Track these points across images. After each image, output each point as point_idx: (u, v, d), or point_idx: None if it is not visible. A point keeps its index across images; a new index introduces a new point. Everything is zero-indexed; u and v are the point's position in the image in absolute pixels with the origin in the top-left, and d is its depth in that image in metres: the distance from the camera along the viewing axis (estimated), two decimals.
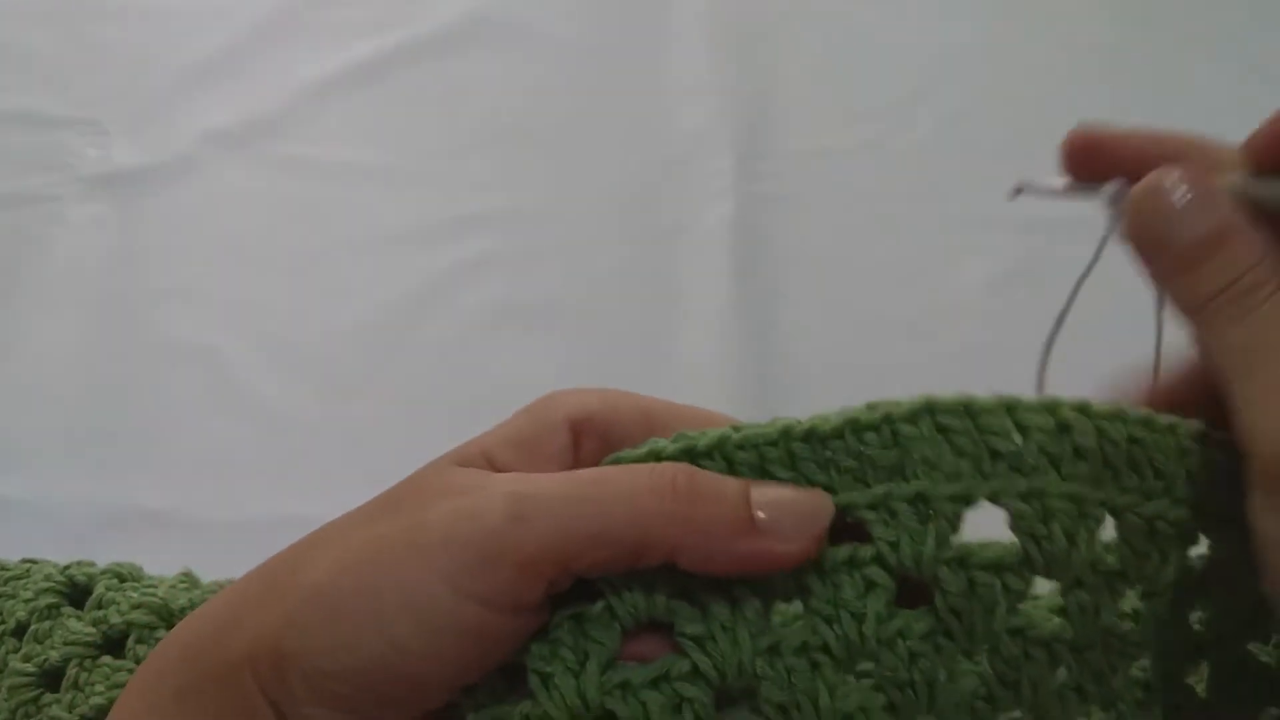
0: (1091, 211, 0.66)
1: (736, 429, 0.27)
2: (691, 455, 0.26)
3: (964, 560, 0.26)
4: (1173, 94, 0.66)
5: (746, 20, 0.70)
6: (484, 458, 0.26)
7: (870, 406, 0.26)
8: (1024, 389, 0.28)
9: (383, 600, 0.23)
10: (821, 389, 0.55)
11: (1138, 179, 0.28)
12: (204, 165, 0.64)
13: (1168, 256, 0.27)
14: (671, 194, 0.62)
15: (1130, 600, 0.28)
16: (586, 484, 0.25)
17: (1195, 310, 0.26)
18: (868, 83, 0.68)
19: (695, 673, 0.25)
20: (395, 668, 0.23)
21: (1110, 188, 0.29)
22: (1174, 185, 0.26)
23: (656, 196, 0.63)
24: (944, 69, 0.68)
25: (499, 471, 0.26)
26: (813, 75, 0.68)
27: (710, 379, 0.55)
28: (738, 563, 0.25)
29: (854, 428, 0.26)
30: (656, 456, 0.26)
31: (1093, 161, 0.29)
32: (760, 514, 0.25)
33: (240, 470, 0.52)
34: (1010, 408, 0.26)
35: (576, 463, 0.27)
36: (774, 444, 0.26)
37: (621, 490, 0.24)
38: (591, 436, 0.27)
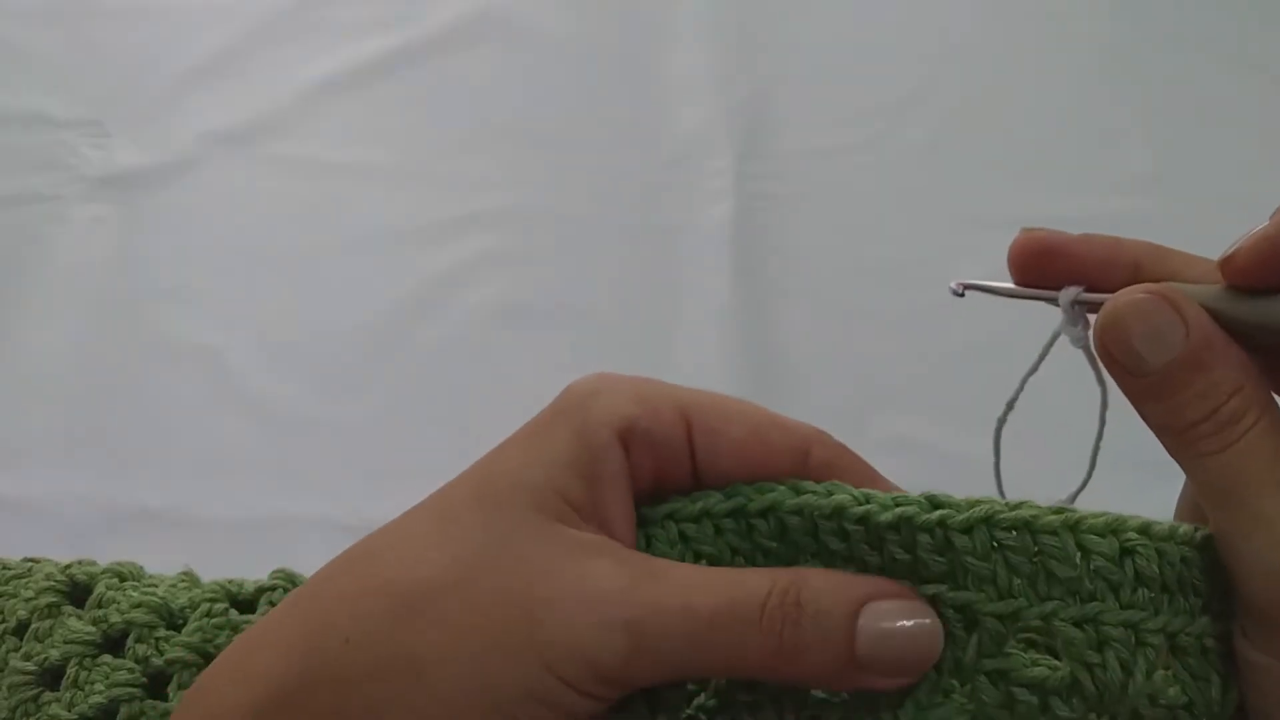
0: (1091, 211, 0.66)
1: (796, 489, 0.27)
2: (743, 514, 0.27)
3: (1005, 674, 0.25)
4: (1173, 94, 0.66)
5: (746, 20, 0.70)
6: (559, 498, 0.26)
7: (930, 501, 0.26)
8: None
9: (499, 689, 0.25)
10: (820, 388, 0.55)
11: (1093, 285, 0.27)
12: (205, 165, 0.65)
13: (1143, 380, 0.25)
14: (671, 194, 0.63)
15: None
16: (704, 624, 0.25)
17: (1172, 437, 0.25)
18: (868, 83, 0.68)
19: None
20: None
21: (1068, 294, 0.27)
22: (1149, 305, 0.25)
23: (656, 196, 0.63)
24: (944, 69, 0.68)
25: (573, 507, 0.26)
26: (813, 75, 0.68)
27: (710, 377, 0.55)
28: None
29: (909, 525, 0.25)
30: (710, 513, 0.27)
31: (1045, 265, 0.28)
32: (863, 653, 0.25)
33: (240, 469, 0.52)
34: (1073, 527, 0.25)
35: (631, 474, 0.27)
36: (829, 517, 0.26)
37: (733, 640, 0.25)
38: (638, 447, 0.27)
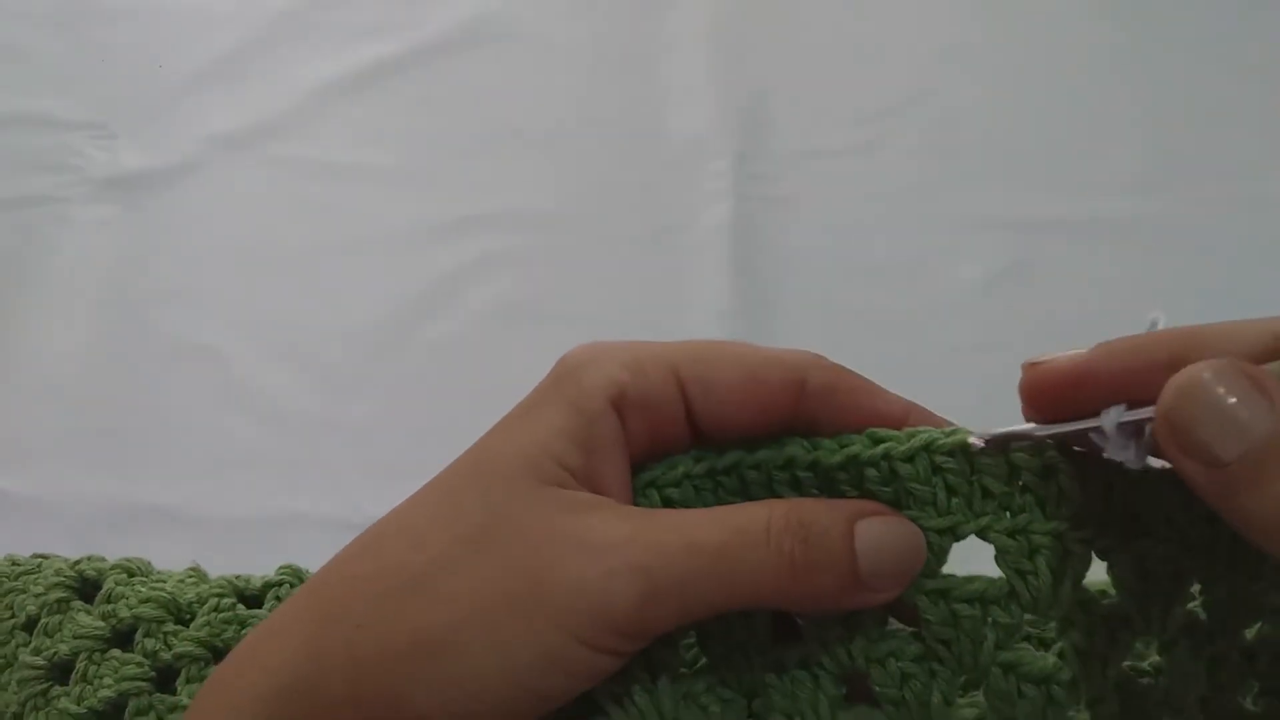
0: (1089, 211, 0.66)
1: (750, 449, 0.28)
2: (713, 474, 0.28)
3: (946, 592, 0.27)
4: (1173, 94, 0.66)
5: (746, 20, 0.71)
6: (556, 464, 0.27)
7: (873, 438, 0.27)
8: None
9: (514, 657, 0.25)
10: None
11: (1134, 399, 0.23)
12: (210, 167, 0.65)
13: (1225, 471, 0.21)
14: (671, 194, 0.63)
15: (1152, 655, 0.28)
16: (713, 557, 0.25)
17: (1262, 532, 0.21)
18: (867, 83, 0.68)
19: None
20: (516, 712, 0.25)
21: (1112, 417, 0.24)
22: (1220, 380, 0.21)
23: (656, 197, 0.63)
24: (942, 69, 0.68)
25: (571, 473, 0.27)
26: (812, 76, 0.68)
27: None
28: (836, 611, 0.27)
29: (856, 463, 0.27)
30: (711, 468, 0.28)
31: (1071, 396, 0.25)
32: (864, 567, 0.26)
33: (246, 467, 0.53)
34: (1004, 449, 0.26)
35: (627, 439, 0.28)
36: (783, 469, 0.28)
37: (744, 567, 0.25)
38: (632, 412, 0.27)
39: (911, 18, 0.71)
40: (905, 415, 0.28)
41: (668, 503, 0.28)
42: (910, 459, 0.27)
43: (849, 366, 0.30)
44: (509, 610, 0.25)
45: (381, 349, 0.57)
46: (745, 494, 0.28)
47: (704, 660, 0.29)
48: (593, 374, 0.28)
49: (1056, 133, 0.65)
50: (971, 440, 0.27)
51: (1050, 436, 0.26)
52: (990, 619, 0.26)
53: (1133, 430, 0.24)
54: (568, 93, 0.68)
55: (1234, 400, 0.21)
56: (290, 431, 0.54)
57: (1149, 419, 0.23)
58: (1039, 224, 0.61)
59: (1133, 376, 0.24)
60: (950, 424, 0.28)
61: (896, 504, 0.27)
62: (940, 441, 0.27)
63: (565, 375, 0.28)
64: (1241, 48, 0.67)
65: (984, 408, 0.29)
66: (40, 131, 0.67)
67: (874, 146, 0.65)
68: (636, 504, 0.28)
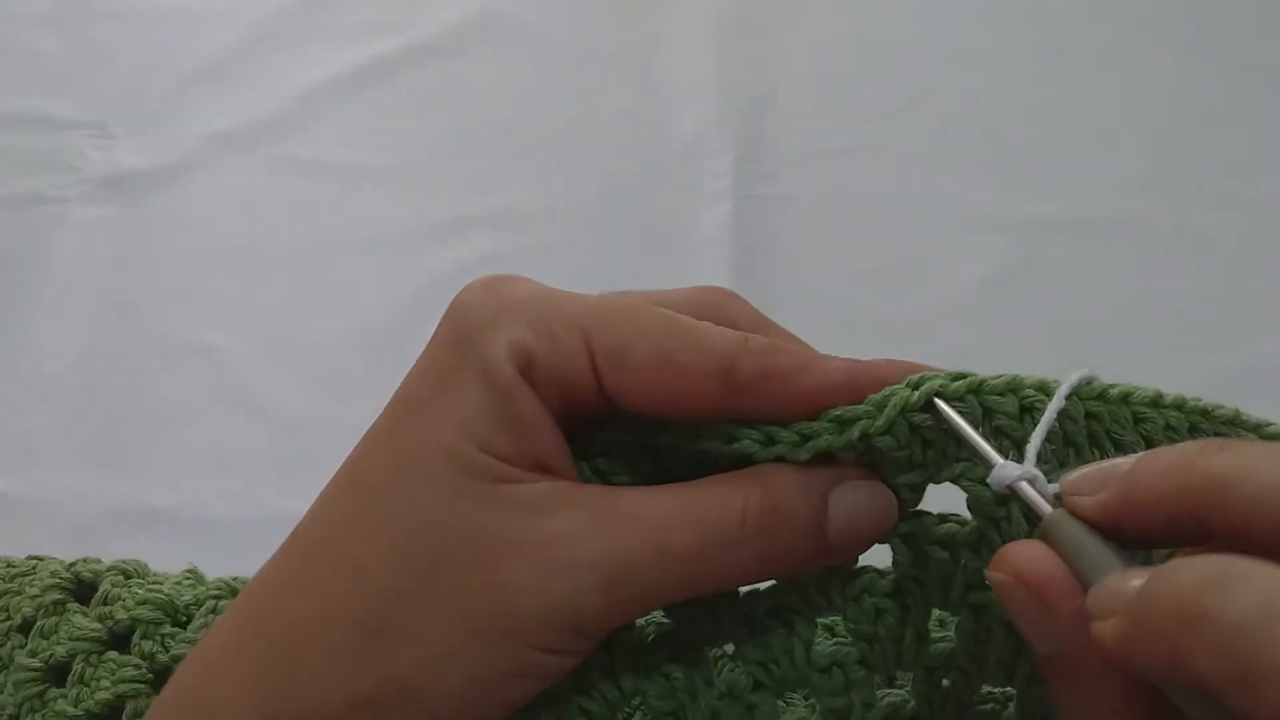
0: (1090, 211, 0.66)
1: (695, 434, 0.26)
2: (653, 452, 0.27)
3: (914, 535, 0.26)
4: (1173, 94, 0.66)
5: (746, 20, 0.71)
6: (487, 454, 0.24)
7: (839, 422, 0.26)
8: None
9: (487, 681, 0.24)
10: None
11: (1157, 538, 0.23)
12: (208, 167, 0.65)
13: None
14: (671, 194, 0.63)
15: None
16: (682, 561, 0.24)
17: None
18: (868, 83, 0.68)
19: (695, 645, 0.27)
20: (488, 718, 0.25)
21: (1005, 475, 0.25)
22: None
23: (656, 196, 0.63)
24: (943, 69, 0.68)
25: (504, 459, 0.24)
26: (813, 75, 0.68)
27: None
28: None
29: (827, 455, 0.26)
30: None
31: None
32: (834, 538, 0.25)
33: (244, 468, 0.53)
34: (977, 390, 0.25)
35: (551, 411, 0.25)
36: (740, 463, 0.26)
37: (715, 564, 0.25)
38: (541, 383, 0.25)
39: (912, 18, 0.71)
40: (851, 382, 0.26)
41: (598, 474, 0.27)
42: (888, 431, 0.25)
43: None
44: (479, 640, 0.24)
45: (381, 349, 0.57)
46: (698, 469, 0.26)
47: (668, 623, 0.28)
48: (499, 339, 0.25)
49: (1057, 133, 0.65)
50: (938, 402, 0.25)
51: (968, 442, 0.25)
52: (961, 562, 0.26)
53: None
54: (568, 92, 0.68)
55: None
56: (289, 431, 0.54)
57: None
58: (1039, 224, 0.60)
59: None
60: (901, 365, 0.27)
61: (872, 465, 0.26)
62: (913, 400, 0.25)
63: (465, 340, 0.25)
64: (1241, 48, 0.67)
65: None
66: (38, 131, 0.67)
67: (874, 146, 0.64)
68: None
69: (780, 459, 0.26)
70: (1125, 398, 0.26)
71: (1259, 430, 0.27)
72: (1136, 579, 0.21)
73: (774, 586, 0.28)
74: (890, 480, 0.26)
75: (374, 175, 0.65)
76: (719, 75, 0.68)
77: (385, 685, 0.24)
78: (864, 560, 0.28)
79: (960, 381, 0.25)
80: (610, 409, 0.26)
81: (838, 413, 0.26)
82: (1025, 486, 0.24)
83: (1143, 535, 0.22)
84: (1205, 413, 0.26)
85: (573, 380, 0.25)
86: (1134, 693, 0.22)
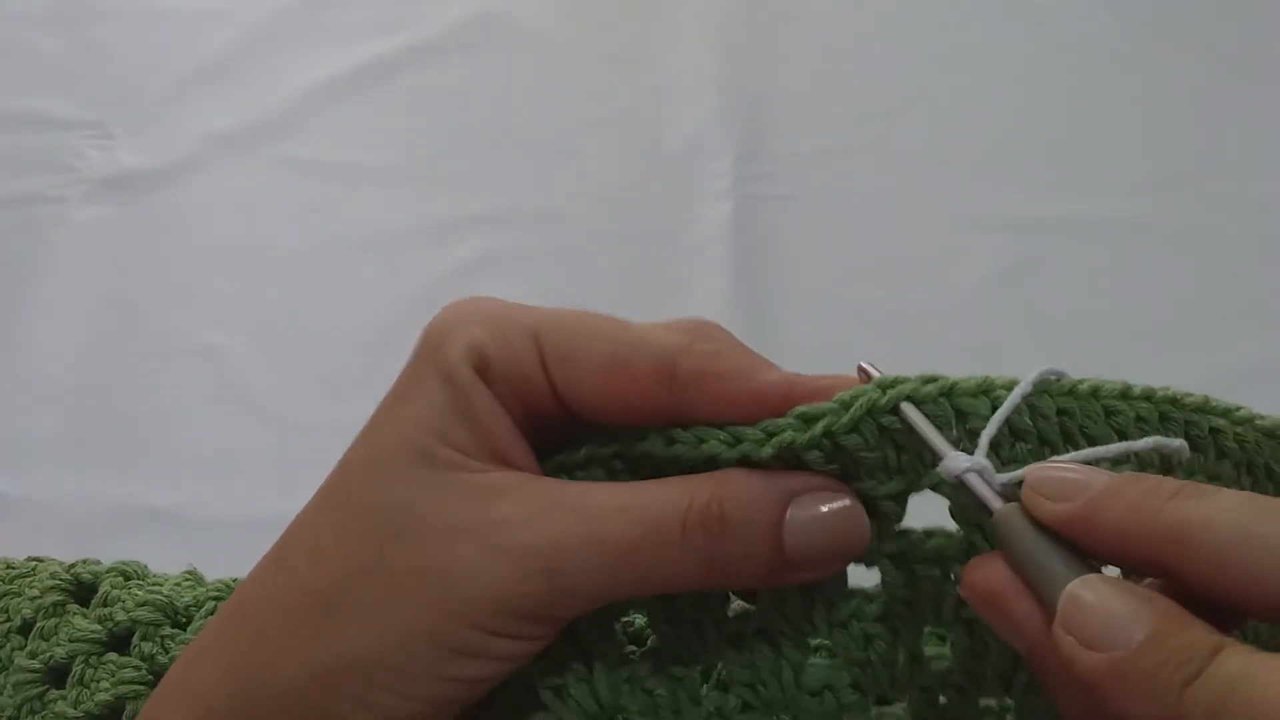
0: (1090, 211, 0.66)
1: (669, 439, 0.26)
2: (623, 457, 0.27)
3: (903, 555, 0.26)
4: (1174, 94, 0.66)
5: (746, 20, 0.71)
6: (444, 444, 0.25)
7: (803, 419, 0.25)
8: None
9: (436, 663, 0.25)
10: None
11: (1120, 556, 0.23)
12: (207, 166, 0.65)
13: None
14: (671, 194, 0.63)
15: None
16: (623, 554, 0.24)
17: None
18: (868, 83, 0.68)
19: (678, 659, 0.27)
20: (450, 699, 0.25)
21: (954, 465, 0.25)
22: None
23: (656, 196, 0.63)
24: (943, 70, 0.68)
25: (461, 450, 0.25)
26: (812, 75, 0.68)
27: None
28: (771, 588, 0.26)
29: (791, 451, 0.25)
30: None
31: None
32: (794, 553, 0.25)
33: (243, 469, 0.53)
34: (948, 392, 0.25)
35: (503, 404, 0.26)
36: (706, 464, 0.26)
37: (656, 561, 0.25)
38: (496, 381, 0.26)
39: (911, 18, 0.71)
40: (789, 389, 0.26)
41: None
42: (854, 429, 0.25)
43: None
44: (425, 617, 0.24)
45: (381, 349, 0.57)
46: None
47: (653, 638, 0.28)
48: (457, 339, 0.26)
49: (1057, 133, 0.65)
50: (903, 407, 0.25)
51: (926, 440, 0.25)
52: (952, 576, 0.26)
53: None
54: (567, 92, 0.68)
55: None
56: (289, 431, 0.54)
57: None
58: (1039, 224, 0.60)
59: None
60: (846, 379, 0.26)
61: (843, 476, 0.26)
62: (881, 401, 0.25)
63: (429, 347, 0.27)
64: (1242, 48, 0.67)
65: None
66: (38, 130, 0.67)
67: (874, 146, 0.64)
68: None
69: (746, 459, 0.25)
70: (1094, 392, 0.26)
71: (1228, 415, 0.27)
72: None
73: (761, 607, 0.27)
74: (870, 493, 0.26)
75: (374, 175, 0.65)
76: (719, 75, 0.68)
77: (336, 659, 0.25)
78: (856, 573, 0.27)
79: (932, 384, 0.25)
80: (571, 415, 0.27)
81: (803, 409, 0.25)
82: (973, 478, 0.24)
83: (1095, 555, 0.23)
84: (1174, 401, 0.26)
85: (525, 378, 0.26)
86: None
